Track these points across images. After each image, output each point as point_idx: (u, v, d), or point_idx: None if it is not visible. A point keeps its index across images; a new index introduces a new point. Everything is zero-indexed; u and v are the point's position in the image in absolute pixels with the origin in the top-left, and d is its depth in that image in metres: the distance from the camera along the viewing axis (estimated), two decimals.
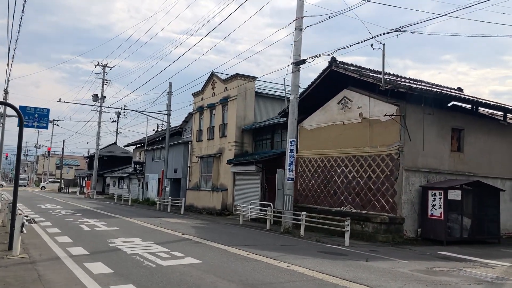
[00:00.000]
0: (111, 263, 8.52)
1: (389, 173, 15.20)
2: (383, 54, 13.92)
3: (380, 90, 15.09)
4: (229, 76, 27.99)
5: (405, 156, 15.04)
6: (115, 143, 64.81)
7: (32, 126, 30.49)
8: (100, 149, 51.26)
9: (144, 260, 9.02)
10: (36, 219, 17.43)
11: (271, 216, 17.68)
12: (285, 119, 19.35)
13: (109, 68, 50.17)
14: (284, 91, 18.82)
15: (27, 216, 9.94)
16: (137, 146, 48.61)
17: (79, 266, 8.18)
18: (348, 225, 13.36)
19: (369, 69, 17.99)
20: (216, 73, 29.54)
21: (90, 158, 69.60)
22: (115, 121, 62.54)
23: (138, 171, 39.67)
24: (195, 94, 32.12)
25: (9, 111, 31.90)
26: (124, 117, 62.23)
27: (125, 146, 54.77)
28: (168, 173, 30.78)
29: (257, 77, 27.66)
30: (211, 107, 29.52)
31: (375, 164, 15.75)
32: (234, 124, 26.40)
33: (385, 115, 15.38)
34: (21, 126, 10.42)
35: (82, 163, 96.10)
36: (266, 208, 18.31)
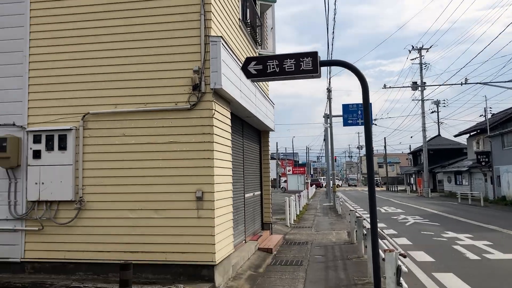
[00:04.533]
0: None
1: None
2: None
3: None
4: None
5: None
6: (438, 135, 57.91)
7: (357, 124, 28.28)
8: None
9: None
10: (384, 230, 13.62)
11: None
12: None
13: (426, 50, 44.50)
14: None
15: (403, 256, 5.48)
16: (471, 134, 40.28)
17: None
18: None
19: None
20: None
21: (414, 154, 65.21)
22: (435, 111, 56.03)
23: (483, 163, 31.77)
24: None
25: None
26: (444, 106, 54.82)
27: (455, 136, 46.92)
28: None
29: None
30: None
31: None
32: None
33: None
34: (365, 94, 6.11)
35: (402, 160, 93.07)
36: None
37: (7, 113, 7.07)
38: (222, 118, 7.20)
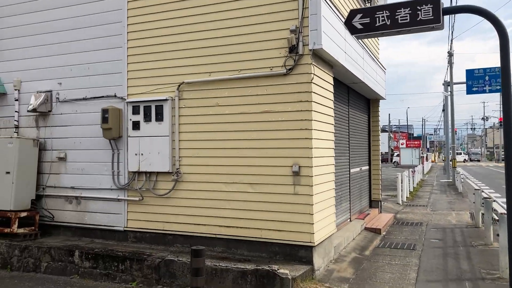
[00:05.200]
0: None
1: None
2: None
3: None
4: None
5: None
6: None
7: (483, 91, 24.92)
8: None
9: None
10: None
11: None
12: None
13: None
14: None
15: None
16: None
17: None
18: None
19: None
20: None
21: None
22: None
23: None
24: None
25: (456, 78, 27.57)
26: None
27: None
28: None
29: None
30: None
31: None
32: None
33: None
34: (504, 47, 4.78)
35: None
36: None
37: (108, 85, 7.19)
38: (322, 84, 6.41)
